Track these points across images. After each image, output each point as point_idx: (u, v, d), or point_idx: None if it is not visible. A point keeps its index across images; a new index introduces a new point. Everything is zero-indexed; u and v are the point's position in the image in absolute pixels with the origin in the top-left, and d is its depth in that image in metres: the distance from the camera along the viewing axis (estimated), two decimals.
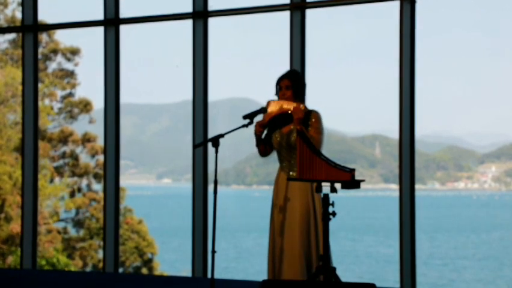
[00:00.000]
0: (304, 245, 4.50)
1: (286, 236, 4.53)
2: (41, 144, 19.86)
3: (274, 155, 4.80)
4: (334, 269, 4.24)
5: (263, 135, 4.69)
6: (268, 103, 4.56)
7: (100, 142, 20.27)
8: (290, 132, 4.58)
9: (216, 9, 7.98)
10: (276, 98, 4.69)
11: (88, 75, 25.52)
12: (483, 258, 39.01)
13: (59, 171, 20.46)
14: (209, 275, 7.80)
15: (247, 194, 74.43)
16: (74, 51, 21.01)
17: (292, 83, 4.63)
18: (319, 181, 4.15)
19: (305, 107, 4.54)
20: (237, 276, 30.53)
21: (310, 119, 4.55)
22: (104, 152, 8.39)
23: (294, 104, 4.50)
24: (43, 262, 18.06)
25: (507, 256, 39.73)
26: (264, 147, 4.72)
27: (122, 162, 8.60)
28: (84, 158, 20.61)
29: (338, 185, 4.16)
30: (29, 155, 8.68)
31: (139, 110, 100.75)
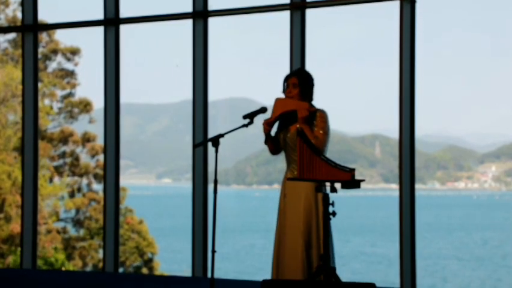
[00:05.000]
0: (306, 245, 4.49)
1: (290, 236, 4.52)
2: (41, 144, 19.86)
3: (281, 155, 4.80)
4: (334, 268, 4.24)
5: (272, 133, 4.69)
6: (276, 101, 4.55)
7: (100, 142, 20.28)
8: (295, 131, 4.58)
9: (215, 9, 7.99)
10: (283, 95, 4.69)
11: (88, 75, 25.53)
12: (479, 259, 39.01)
13: (58, 171, 20.46)
14: (209, 275, 7.80)
15: (248, 193, 74.40)
16: (74, 51, 21.01)
17: (300, 81, 4.62)
18: (319, 181, 4.15)
19: (311, 106, 4.54)
20: (237, 276, 30.53)
21: (316, 118, 4.54)
22: (104, 151, 8.39)
23: (300, 103, 4.49)
24: (41, 262, 18.06)
25: (505, 257, 39.72)
26: (273, 145, 4.71)
27: (122, 162, 8.61)
28: (84, 158, 20.61)
29: (338, 185, 4.16)
30: (29, 155, 8.68)
31: (139, 110, 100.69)
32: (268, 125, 4.57)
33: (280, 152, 4.76)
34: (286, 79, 4.66)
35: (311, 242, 4.50)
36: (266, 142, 4.69)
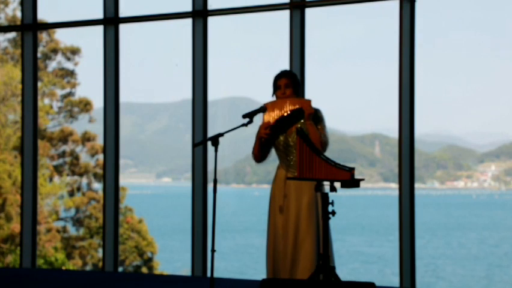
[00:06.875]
0: (317, 244, 4.48)
1: (297, 235, 4.50)
2: (41, 144, 19.86)
3: (272, 155, 4.76)
4: (333, 268, 4.24)
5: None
6: (269, 105, 4.48)
7: (99, 141, 20.29)
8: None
9: (215, 8, 7.98)
10: (273, 99, 4.63)
11: (88, 74, 25.54)
12: (477, 259, 39.02)
13: (58, 170, 20.47)
14: (209, 274, 7.80)
15: (247, 193, 74.45)
16: (74, 51, 21.02)
17: (292, 81, 4.60)
18: (319, 180, 4.14)
19: None
20: (236, 275, 30.53)
21: (318, 116, 4.56)
22: (104, 151, 8.39)
23: (303, 100, 4.46)
24: (41, 261, 18.07)
25: (504, 257, 39.74)
26: (263, 152, 4.63)
27: (121, 161, 8.61)
28: (84, 157, 20.62)
29: (337, 184, 4.16)
30: (29, 154, 8.69)
31: (138, 109, 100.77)
32: (267, 129, 4.46)
33: (267, 159, 4.70)
34: (276, 81, 4.62)
35: (319, 241, 4.49)
36: (261, 150, 4.59)
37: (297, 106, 4.42)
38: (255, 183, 79.39)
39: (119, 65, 8.37)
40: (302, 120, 4.47)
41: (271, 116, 4.46)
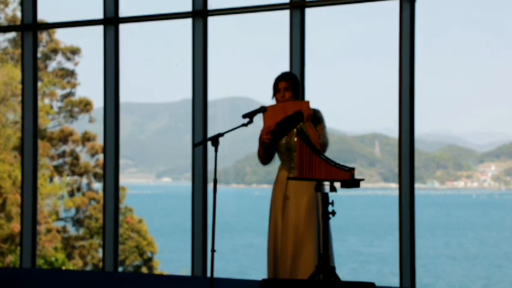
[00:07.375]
0: (317, 243, 4.49)
1: (297, 235, 4.51)
2: (41, 144, 19.86)
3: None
4: (333, 268, 4.24)
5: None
6: (269, 108, 4.50)
7: (100, 141, 20.29)
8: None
9: (215, 8, 7.99)
10: (273, 101, 4.65)
11: (88, 74, 25.55)
12: (477, 258, 39.01)
13: (58, 170, 20.47)
14: (208, 274, 7.80)
15: (247, 193, 74.44)
16: (75, 51, 21.02)
17: (291, 84, 4.61)
18: (319, 180, 4.14)
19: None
20: (236, 275, 30.53)
21: (317, 117, 4.58)
22: (104, 151, 8.40)
23: (301, 103, 4.48)
24: (41, 261, 18.07)
25: (502, 257, 39.73)
26: (268, 154, 4.67)
27: (121, 161, 8.61)
28: (84, 157, 20.62)
29: (337, 184, 4.16)
30: (29, 154, 8.69)
31: (138, 109, 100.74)
32: (268, 134, 4.49)
33: (271, 161, 4.73)
34: (276, 84, 4.64)
35: (319, 241, 4.49)
36: (264, 153, 4.62)
37: (297, 109, 4.43)
38: (255, 183, 79.35)
39: (119, 65, 8.38)
40: (302, 122, 4.48)
41: (272, 120, 4.47)
